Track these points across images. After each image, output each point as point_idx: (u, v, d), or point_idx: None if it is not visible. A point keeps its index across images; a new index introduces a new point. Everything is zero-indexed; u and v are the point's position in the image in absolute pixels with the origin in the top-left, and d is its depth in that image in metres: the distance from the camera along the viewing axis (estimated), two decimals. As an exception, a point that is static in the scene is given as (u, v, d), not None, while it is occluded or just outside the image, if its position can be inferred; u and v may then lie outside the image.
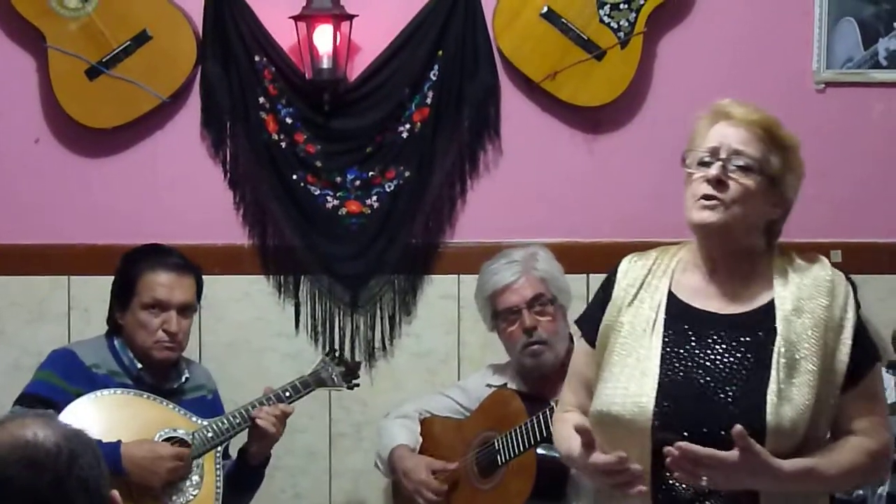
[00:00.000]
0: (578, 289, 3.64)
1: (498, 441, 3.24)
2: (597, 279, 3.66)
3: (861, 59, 3.84)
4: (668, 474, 2.29)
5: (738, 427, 2.19)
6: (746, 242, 2.39)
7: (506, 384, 3.38)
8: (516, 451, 3.19)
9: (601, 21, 3.73)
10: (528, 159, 3.87)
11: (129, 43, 3.70)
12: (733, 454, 2.20)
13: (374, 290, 3.89)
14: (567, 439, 2.46)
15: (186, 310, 3.29)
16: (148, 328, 3.24)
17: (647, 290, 2.46)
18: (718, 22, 3.84)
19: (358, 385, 3.58)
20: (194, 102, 3.80)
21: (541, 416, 3.12)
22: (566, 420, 2.52)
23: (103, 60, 3.69)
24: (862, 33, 3.84)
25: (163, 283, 3.26)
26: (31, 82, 3.78)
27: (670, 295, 2.43)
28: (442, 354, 3.88)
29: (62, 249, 3.83)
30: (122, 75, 3.70)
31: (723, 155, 2.33)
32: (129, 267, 3.32)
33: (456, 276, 3.85)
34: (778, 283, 2.39)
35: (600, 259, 3.62)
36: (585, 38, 3.74)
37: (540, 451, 3.14)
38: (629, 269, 2.50)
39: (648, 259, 2.50)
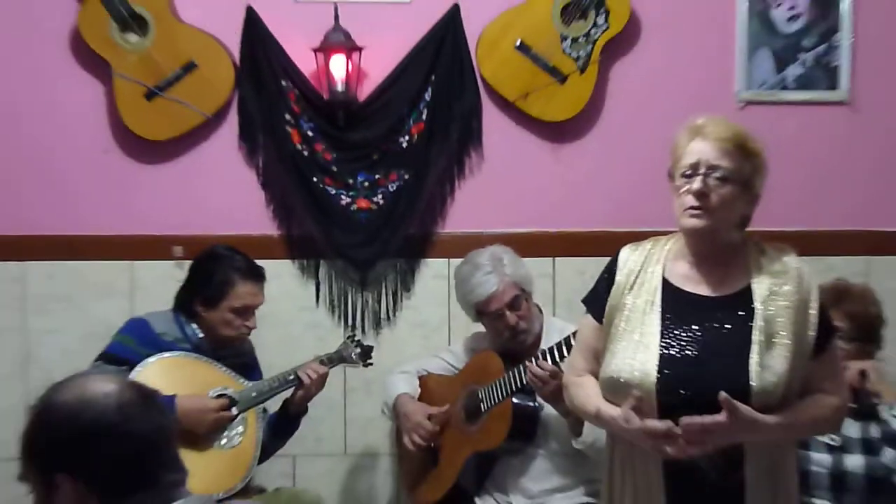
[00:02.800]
0: (546, 269, 3.88)
1: (481, 392, 3.40)
2: (561, 262, 3.94)
3: (773, 82, 3.98)
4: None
5: (722, 394, 2.26)
6: (727, 238, 2.46)
7: (487, 347, 3.50)
8: (496, 399, 3.34)
9: (564, 52, 3.86)
10: (505, 164, 3.99)
11: (179, 71, 3.82)
12: (723, 416, 2.26)
13: (380, 272, 3.98)
14: (590, 399, 2.51)
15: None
16: (233, 325, 3.38)
17: (644, 275, 2.50)
18: (659, 52, 3.98)
19: (372, 364, 3.62)
20: (232, 119, 3.91)
21: (515, 372, 3.25)
22: (583, 384, 2.57)
23: (158, 85, 3.81)
24: (775, 61, 3.98)
25: (252, 292, 3.38)
26: (101, 103, 3.88)
27: (664, 280, 2.49)
28: (435, 324, 4.00)
29: (126, 240, 3.92)
30: (174, 97, 3.81)
31: (702, 170, 2.38)
32: (219, 273, 3.36)
33: (447, 259, 3.95)
34: (754, 270, 2.45)
35: (564, 246, 3.98)
36: (551, 65, 3.86)
37: (515, 399, 3.30)
38: (629, 258, 2.54)
39: (644, 249, 2.56)
